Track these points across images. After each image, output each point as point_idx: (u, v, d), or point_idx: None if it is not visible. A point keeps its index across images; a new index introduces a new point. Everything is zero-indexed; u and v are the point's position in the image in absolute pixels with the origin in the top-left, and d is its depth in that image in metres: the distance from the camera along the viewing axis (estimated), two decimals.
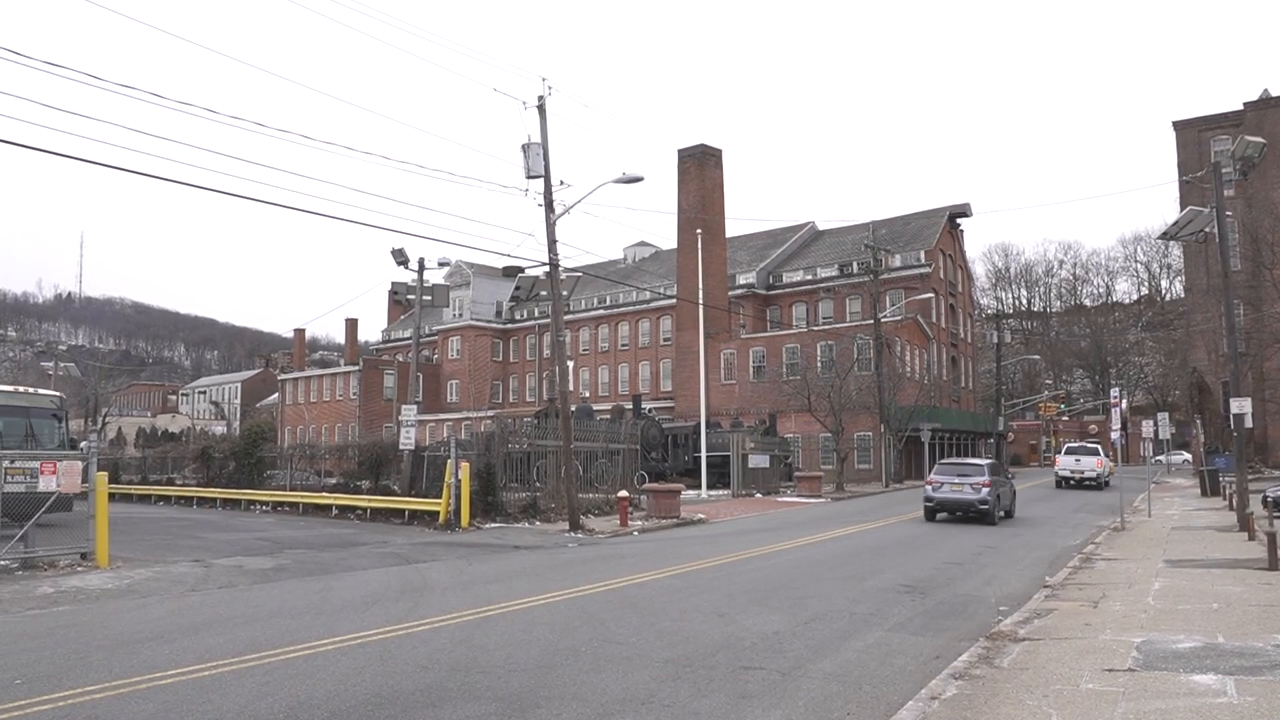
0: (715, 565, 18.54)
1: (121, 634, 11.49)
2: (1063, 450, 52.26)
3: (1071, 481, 48.63)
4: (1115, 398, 29.66)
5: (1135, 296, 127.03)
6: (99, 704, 8.28)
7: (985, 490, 28.39)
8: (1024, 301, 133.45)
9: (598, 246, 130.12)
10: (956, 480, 29.20)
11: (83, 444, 18.72)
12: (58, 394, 29.83)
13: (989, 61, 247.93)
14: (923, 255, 71.74)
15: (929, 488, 30.01)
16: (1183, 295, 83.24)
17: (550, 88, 28.23)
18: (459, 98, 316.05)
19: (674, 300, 71.81)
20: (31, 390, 29.20)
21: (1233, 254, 38.38)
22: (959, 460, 32.79)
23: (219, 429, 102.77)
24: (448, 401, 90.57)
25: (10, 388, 29.34)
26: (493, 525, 27.71)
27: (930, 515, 29.70)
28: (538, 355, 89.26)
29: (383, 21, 55.76)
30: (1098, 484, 48.08)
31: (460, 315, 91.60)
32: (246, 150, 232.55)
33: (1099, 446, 51.83)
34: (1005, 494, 30.46)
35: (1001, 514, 29.58)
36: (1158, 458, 75.73)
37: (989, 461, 31.68)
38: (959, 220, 79.45)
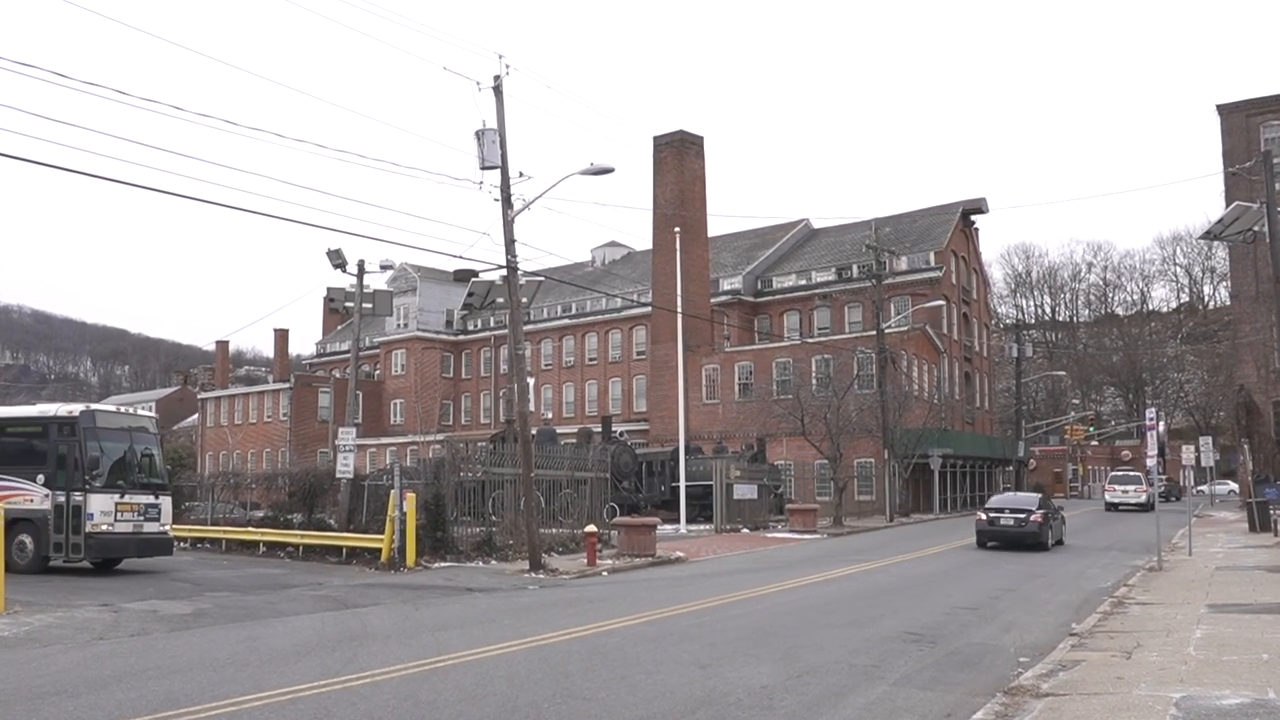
0: (696, 610, 18.61)
1: (19, 688, 11.44)
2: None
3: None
4: (1152, 419, 29.84)
5: (1174, 304, 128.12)
6: None
7: None
8: (1048, 310, 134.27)
9: (562, 247, 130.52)
10: None
11: None
12: (152, 414, 29.76)
13: (1005, 39, 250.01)
14: (932, 257, 72.15)
15: None
16: (1228, 303, 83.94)
17: (508, 66, 28.26)
18: (404, 77, 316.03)
19: (649, 308, 71.86)
20: (128, 410, 29.29)
21: None
22: None
23: None
24: (391, 423, 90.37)
25: (111, 407, 29.38)
26: (442, 564, 27.68)
27: None
28: (494, 371, 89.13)
29: None
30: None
31: (405, 325, 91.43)
32: (163, 138, 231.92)
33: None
34: None
35: None
36: (1199, 487, 76.35)
37: None
38: (973, 218, 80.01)
